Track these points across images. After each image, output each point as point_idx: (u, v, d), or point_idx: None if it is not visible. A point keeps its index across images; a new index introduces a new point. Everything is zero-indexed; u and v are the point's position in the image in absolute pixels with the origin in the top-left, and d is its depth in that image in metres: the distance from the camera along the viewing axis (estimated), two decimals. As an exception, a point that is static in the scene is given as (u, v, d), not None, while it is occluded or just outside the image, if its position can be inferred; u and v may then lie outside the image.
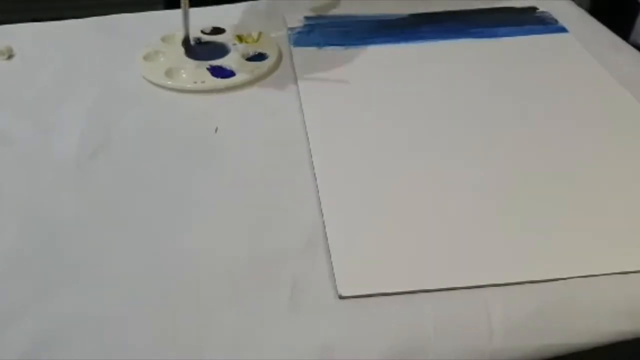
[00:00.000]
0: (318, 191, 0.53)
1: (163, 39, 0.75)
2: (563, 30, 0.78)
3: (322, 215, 0.51)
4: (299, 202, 0.53)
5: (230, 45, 0.74)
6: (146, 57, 0.72)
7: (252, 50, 0.73)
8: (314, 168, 0.56)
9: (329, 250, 0.48)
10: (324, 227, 0.50)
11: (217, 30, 0.77)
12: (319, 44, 0.75)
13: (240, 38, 0.75)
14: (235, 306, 0.44)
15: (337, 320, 0.43)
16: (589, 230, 0.50)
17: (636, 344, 0.44)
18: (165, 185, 0.55)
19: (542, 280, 0.46)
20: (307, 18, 0.80)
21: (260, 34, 0.76)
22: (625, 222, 0.51)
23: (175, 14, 0.83)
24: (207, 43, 0.75)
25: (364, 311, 0.44)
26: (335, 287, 0.45)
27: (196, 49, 0.73)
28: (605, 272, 0.46)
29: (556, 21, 0.80)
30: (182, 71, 0.69)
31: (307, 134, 0.60)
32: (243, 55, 0.72)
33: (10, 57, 0.73)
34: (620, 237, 0.49)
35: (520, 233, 0.50)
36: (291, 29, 0.78)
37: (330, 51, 0.74)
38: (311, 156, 0.57)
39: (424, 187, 0.54)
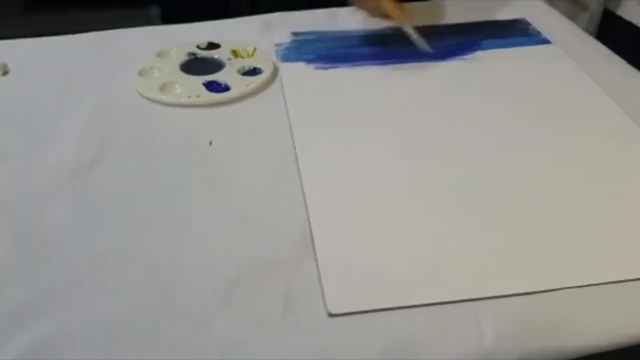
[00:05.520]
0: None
1: (158, 54, 0.75)
2: (546, 42, 0.78)
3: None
4: (291, 215, 0.53)
5: (225, 60, 0.74)
6: (141, 73, 0.72)
7: (247, 65, 0.73)
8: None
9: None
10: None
11: (212, 46, 0.77)
12: (307, 60, 0.75)
13: (235, 53, 0.76)
14: (227, 319, 0.44)
15: (329, 333, 0.43)
16: (577, 241, 0.50)
17: (630, 351, 0.44)
18: (159, 198, 0.55)
19: (532, 292, 0.46)
20: (294, 34, 0.81)
21: (255, 49, 0.76)
22: (613, 232, 0.51)
23: (171, 30, 0.84)
24: (203, 58, 0.75)
25: (355, 324, 0.44)
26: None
27: (191, 64, 0.74)
28: (596, 282, 0.46)
29: (539, 33, 0.80)
30: (177, 86, 0.70)
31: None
32: (238, 70, 0.72)
33: (5, 73, 0.73)
34: (610, 248, 0.49)
35: (510, 245, 0.50)
36: (278, 44, 0.78)
37: (318, 66, 0.74)
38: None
39: (412, 201, 0.54)
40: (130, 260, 0.49)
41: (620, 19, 0.84)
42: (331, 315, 0.44)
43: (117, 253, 0.49)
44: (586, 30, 0.84)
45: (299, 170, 0.57)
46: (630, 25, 0.82)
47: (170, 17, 0.91)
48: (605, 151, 0.60)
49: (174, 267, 0.48)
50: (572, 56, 0.75)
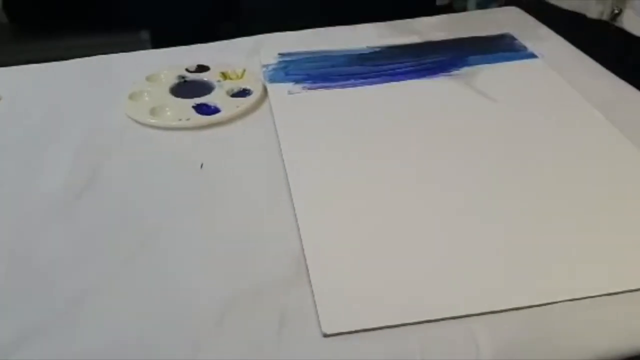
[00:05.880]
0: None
1: (148, 78, 0.76)
2: (533, 56, 0.79)
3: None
4: (283, 236, 0.53)
5: (214, 82, 0.75)
6: (131, 97, 0.72)
7: (236, 86, 0.74)
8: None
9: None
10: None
11: (201, 68, 0.78)
12: (294, 80, 0.75)
13: (224, 75, 0.76)
14: (222, 342, 0.44)
15: (325, 354, 0.43)
16: (571, 254, 0.50)
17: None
18: (152, 222, 0.55)
19: (528, 306, 0.46)
20: (281, 55, 0.81)
21: (244, 70, 0.77)
22: (607, 246, 0.51)
23: (161, 54, 0.85)
24: (192, 81, 0.76)
25: (350, 344, 0.44)
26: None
27: (181, 87, 0.74)
28: (591, 295, 0.46)
29: (525, 47, 0.81)
30: (167, 109, 0.70)
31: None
32: (228, 92, 0.73)
33: (-3, 100, 0.74)
34: (604, 261, 0.50)
35: (503, 260, 0.50)
36: (266, 65, 0.79)
37: (306, 86, 0.74)
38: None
39: (405, 219, 0.54)
40: (123, 286, 0.49)
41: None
42: (326, 335, 0.44)
43: (110, 279, 0.49)
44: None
45: (290, 191, 0.58)
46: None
47: (160, 41, 0.91)
48: (596, 165, 0.60)
49: (168, 292, 0.48)
50: (560, 70, 0.75)
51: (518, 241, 0.52)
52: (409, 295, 0.47)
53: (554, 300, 0.46)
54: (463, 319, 0.45)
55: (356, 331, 0.44)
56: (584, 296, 0.46)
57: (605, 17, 0.80)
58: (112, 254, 0.52)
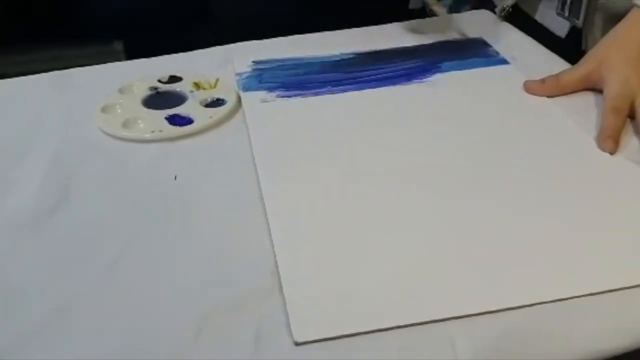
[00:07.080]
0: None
1: (120, 90, 0.75)
2: (504, 62, 0.80)
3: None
4: (259, 247, 0.52)
5: (187, 92, 0.74)
6: (103, 109, 0.72)
7: (209, 96, 0.73)
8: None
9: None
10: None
11: (174, 79, 0.77)
12: (268, 88, 0.75)
13: (197, 85, 0.76)
14: (200, 356, 0.44)
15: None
16: (548, 256, 0.50)
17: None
18: (125, 237, 0.54)
19: (505, 309, 0.46)
20: (255, 62, 0.81)
21: (217, 80, 0.76)
22: (584, 247, 0.51)
23: (133, 65, 0.84)
24: (165, 92, 0.75)
25: (326, 352, 0.44)
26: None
27: (153, 99, 0.74)
28: (569, 296, 0.47)
29: (498, 53, 0.81)
30: (140, 121, 0.70)
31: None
32: (201, 102, 0.72)
33: (-34, 116, 0.73)
34: (580, 262, 0.50)
35: (480, 263, 0.50)
36: (239, 74, 0.79)
37: (280, 94, 0.74)
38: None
39: (377, 225, 0.54)
40: (98, 302, 0.48)
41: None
42: (297, 344, 0.44)
43: (84, 296, 0.49)
44: None
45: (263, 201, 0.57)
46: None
47: (134, 51, 0.91)
48: (570, 170, 0.60)
49: (143, 307, 0.48)
50: (532, 75, 0.74)
51: (496, 244, 0.52)
52: (383, 301, 0.47)
53: (533, 302, 0.46)
54: (441, 323, 0.45)
55: (331, 338, 0.44)
56: (564, 297, 0.47)
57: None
58: (86, 269, 0.51)
